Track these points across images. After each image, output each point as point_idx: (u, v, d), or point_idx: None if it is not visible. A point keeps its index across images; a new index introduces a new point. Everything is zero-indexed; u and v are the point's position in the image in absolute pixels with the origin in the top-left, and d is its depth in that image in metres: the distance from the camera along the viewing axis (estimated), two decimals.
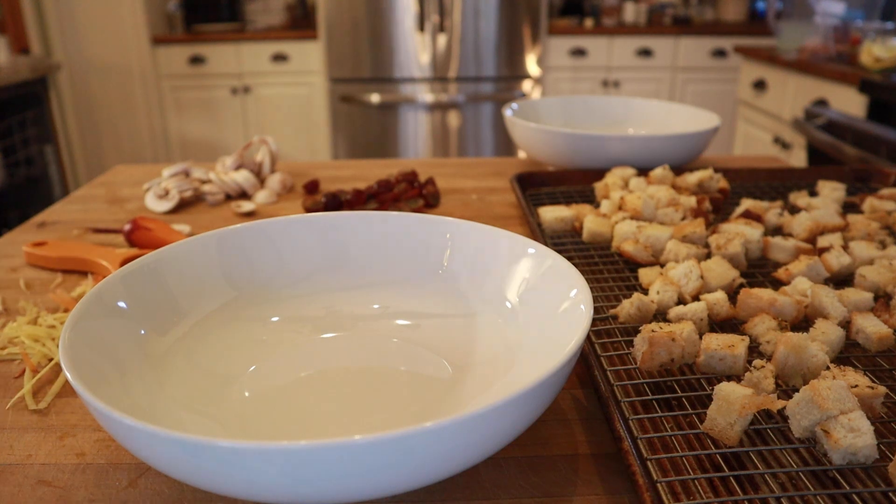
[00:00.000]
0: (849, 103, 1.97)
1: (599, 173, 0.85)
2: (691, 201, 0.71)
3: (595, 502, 0.37)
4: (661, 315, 0.53)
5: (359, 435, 0.29)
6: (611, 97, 1.15)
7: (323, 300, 0.54)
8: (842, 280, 0.59)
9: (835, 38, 2.30)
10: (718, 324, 0.52)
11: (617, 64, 3.19)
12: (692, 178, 0.78)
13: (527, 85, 3.11)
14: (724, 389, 0.38)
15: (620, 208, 0.71)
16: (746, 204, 0.72)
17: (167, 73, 3.20)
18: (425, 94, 3.09)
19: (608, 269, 0.63)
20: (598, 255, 0.65)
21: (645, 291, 0.56)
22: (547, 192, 0.84)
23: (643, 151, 0.88)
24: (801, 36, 2.46)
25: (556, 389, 0.37)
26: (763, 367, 0.42)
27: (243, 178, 0.90)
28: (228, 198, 0.90)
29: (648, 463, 0.37)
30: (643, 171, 0.83)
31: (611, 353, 0.48)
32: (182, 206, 0.87)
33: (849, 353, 0.48)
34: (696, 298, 0.54)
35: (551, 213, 0.70)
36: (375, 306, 0.54)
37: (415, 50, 3.02)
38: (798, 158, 2.20)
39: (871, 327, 0.47)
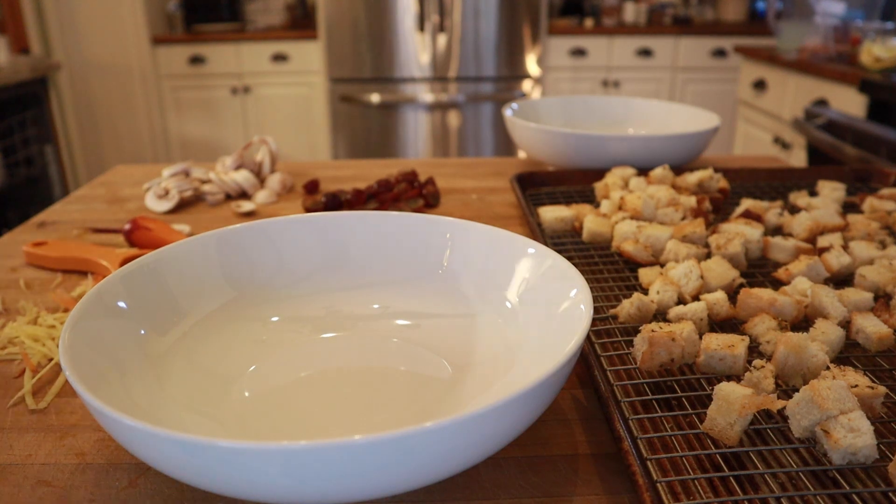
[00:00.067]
0: (849, 103, 1.97)
1: (599, 173, 0.85)
2: (691, 201, 0.71)
3: (595, 502, 0.37)
4: (661, 315, 0.53)
5: (359, 435, 0.29)
6: (611, 97, 1.15)
7: (323, 300, 0.54)
8: (842, 280, 0.59)
9: (835, 38, 2.30)
10: (718, 324, 0.52)
11: (617, 64, 3.19)
12: (692, 178, 0.78)
13: (527, 85, 3.11)
14: (724, 389, 0.38)
15: (620, 208, 0.71)
16: (746, 204, 0.72)
17: (167, 73, 3.20)
18: (425, 94, 3.09)
19: (608, 269, 0.63)
20: (598, 255, 0.65)
21: (645, 291, 0.56)
22: (547, 192, 0.84)
23: (643, 151, 0.88)
24: (801, 36, 2.46)
25: (556, 389, 0.37)
26: (763, 367, 0.42)
27: (243, 178, 0.90)
28: (228, 198, 0.90)
29: (648, 463, 0.37)
30: (643, 171, 0.83)
31: (611, 353, 0.48)
32: (182, 206, 0.87)
33: (849, 353, 0.48)
34: (696, 298, 0.54)
35: (551, 213, 0.70)
36: (375, 306, 0.54)
37: (415, 50, 3.02)
38: (798, 158, 2.20)
39: (871, 327, 0.47)
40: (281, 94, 3.24)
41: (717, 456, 0.38)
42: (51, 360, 0.50)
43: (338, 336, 0.51)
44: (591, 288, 0.45)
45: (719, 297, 0.52)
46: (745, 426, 0.38)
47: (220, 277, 0.51)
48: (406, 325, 0.52)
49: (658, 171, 0.79)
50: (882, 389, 0.39)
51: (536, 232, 0.68)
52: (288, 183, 0.93)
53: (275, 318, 0.52)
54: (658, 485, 0.35)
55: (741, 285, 0.56)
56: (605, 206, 0.72)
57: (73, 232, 0.79)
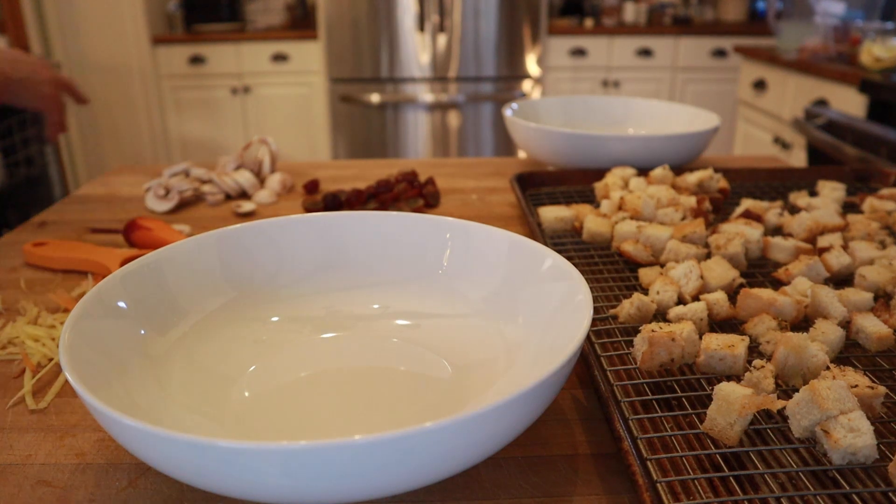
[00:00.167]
0: (849, 103, 1.97)
1: (599, 173, 0.85)
2: (691, 201, 0.71)
3: (595, 502, 0.37)
4: (661, 315, 0.53)
5: (359, 435, 0.29)
6: (611, 97, 1.15)
7: (323, 300, 0.54)
8: (842, 280, 0.59)
9: (835, 38, 2.30)
10: (718, 324, 0.52)
11: (617, 64, 3.19)
12: (692, 178, 0.78)
13: (527, 85, 3.11)
14: (724, 389, 0.38)
15: (620, 208, 0.71)
16: (746, 204, 0.72)
17: (167, 73, 3.20)
18: (425, 94, 3.09)
19: (608, 269, 0.63)
20: (598, 255, 0.65)
21: (645, 291, 0.56)
22: (547, 192, 0.84)
23: (643, 151, 0.88)
24: (801, 36, 2.46)
25: (556, 389, 0.37)
26: (763, 367, 0.42)
27: (243, 178, 0.90)
28: (228, 198, 0.90)
29: (648, 463, 0.37)
30: (643, 171, 0.83)
31: (611, 353, 0.48)
32: (182, 206, 0.87)
33: (849, 353, 0.48)
34: (695, 298, 0.54)
35: (551, 213, 0.70)
36: (375, 306, 0.54)
37: (415, 50, 3.02)
38: (798, 158, 2.20)
39: (871, 327, 0.47)
40: (281, 94, 3.24)
41: (717, 456, 0.38)
42: (51, 360, 0.51)
43: (338, 336, 0.51)
44: (591, 288, 0.45)
45: (719, 297, 0.52)
46: (745, 426, 0.38)
47: (220, 277, 0.51)
48: (406, 325, 0.52)
49: (658, 172, 0.79)
50: (882, 389, 0.39)
51: (536, 232, 0.68)
52: (288, 183, 0.93)
53: (275, 318, 0.52)
54: (658, 485, 0.35)
55: (741, 285, 0.56)
56: (605, 206, 0.72)
57: (73, 232, 0.79)
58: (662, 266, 0.60)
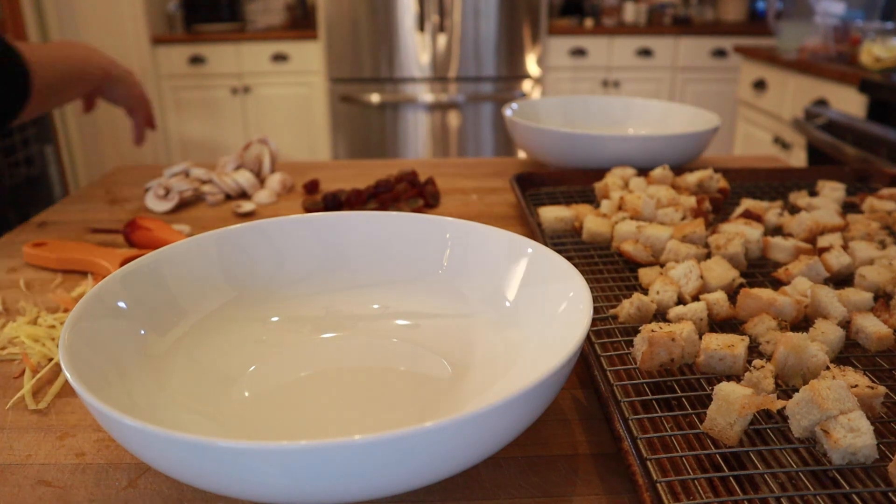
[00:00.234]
0: (849, 103, 1.97)
1: (599, 173, 0.85)
2: (691, 201, 0.71)
3: (595, 502, 0.37)
4: (660, 315, 0.53)
5: (359, 435, 0.29)
6: (611, 97, 1.15)
7: (322, 300, 0.54)
8: (842, 280, 0.59)
9: (835, 38, 2.30)
10: (718, 324, 0.52)
11: (617, 64, 3.19)
12: (692, 178, 0.78)
13: (527, 85, 3.11)
14: (724, 389, 0.38)
15: (620, 208, 0.71)
16: (746, 204, 0.72)
17: (167, 73, 3.20)
18: (425, 94, 3.09)
19: (608, 269, 0.63)
20: (598, 255, 0.65)
21: (645, 291, 0.56)
22: (547, 192, 0.84)
23: (643, 151, 0.88)
24: (801, 36, 2.46)
25: (556, 389, 0.37)
26: (763, 367, 0.42)
27: (243, 178, 0.90)
28: (228, 198, 0.90)
29: (648, 463, 0.37)
30: (643, 171, 0.83)
31: (611, 353, 0.48)
32: (182, 206, 0.87)
33: (849, 353, 0.48)
34: (695, 298, 0.54)
35: (551, 213, 0.70)
36: (375, 306, 0.54)
37: (415, 50, 3.02)
38: (798, 158, 2.20)
39: (871, 327, 0.47)
40: (281, 94, 3.24)
41: (717, 456, 0.38)
42: (51, 360, 0.50)
43: (338, 336, 0.51)
44: (591, 288, 0.45)
45: (719, 297, 0.52)
46: (745, 426, 0.38)
47: (219, 277, 0.51)
48: (406, 325, 0.52)
49: (658, 171, 0.79)
50: (882, 389, 0.39)
51: (536, 232, 0.68)
52: (288, 183, 0.93)
53: (275, 318, 0.52)
54: (658, 485, 0.35)
55: (741, 285, 0.56)
56: (605, 206, 0.72)
57: (73, 232, 0.79)
58: (662, 266, 0.60)
